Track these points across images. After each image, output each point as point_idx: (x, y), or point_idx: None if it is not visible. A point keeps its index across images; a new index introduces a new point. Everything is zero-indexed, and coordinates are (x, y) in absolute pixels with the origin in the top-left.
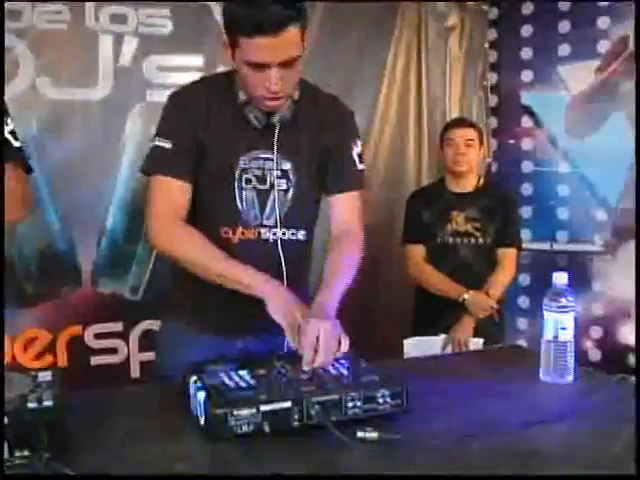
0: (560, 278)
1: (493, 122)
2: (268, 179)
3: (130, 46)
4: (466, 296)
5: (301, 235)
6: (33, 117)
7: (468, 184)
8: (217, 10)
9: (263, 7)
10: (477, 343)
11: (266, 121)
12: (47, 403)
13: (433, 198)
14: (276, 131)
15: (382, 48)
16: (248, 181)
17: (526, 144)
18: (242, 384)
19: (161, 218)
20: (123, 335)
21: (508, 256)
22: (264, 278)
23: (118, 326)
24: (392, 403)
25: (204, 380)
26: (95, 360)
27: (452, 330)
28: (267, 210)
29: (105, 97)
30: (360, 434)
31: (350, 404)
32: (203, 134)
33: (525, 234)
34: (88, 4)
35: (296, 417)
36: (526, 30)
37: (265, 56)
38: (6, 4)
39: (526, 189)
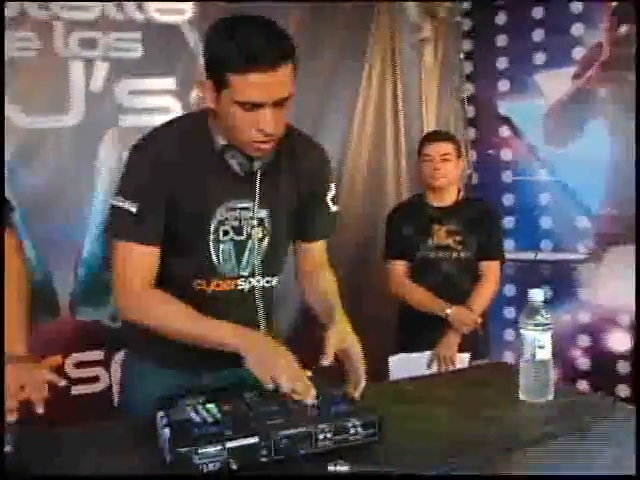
0: (536, 295)
1: (471, 133)
2: (245, 229)
3: (101, 71)
4: (449, 311)
5: (275, 282)
6: (5, 147)
7: (448, 197)
8: (188, 31)
9: (258, 41)
10: (463, 358)
11: (248, 167)
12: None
13: (413, 212)
14: (257, 178)
15: (355, 64)
16: (225, 233)
17: (506, 154)
18: (209, 419)
19: (128, 288)
20: (104, 363)
21: (491, 269)
22: (236, 333)
23: (99, 354)
24: (364, 433)
25: (170, 415)
26: (76, 390)
27: (437, 346)
28: (244, 261)
29: (77, 123)
30: (331, 468)
31: (320, 436)
32: (176, 189)
33: (508, 244)
34: (56, 30)
35: (264, 452)
36: (501, 40)
37: (260, 94)
38: None
39: (508, 199)
